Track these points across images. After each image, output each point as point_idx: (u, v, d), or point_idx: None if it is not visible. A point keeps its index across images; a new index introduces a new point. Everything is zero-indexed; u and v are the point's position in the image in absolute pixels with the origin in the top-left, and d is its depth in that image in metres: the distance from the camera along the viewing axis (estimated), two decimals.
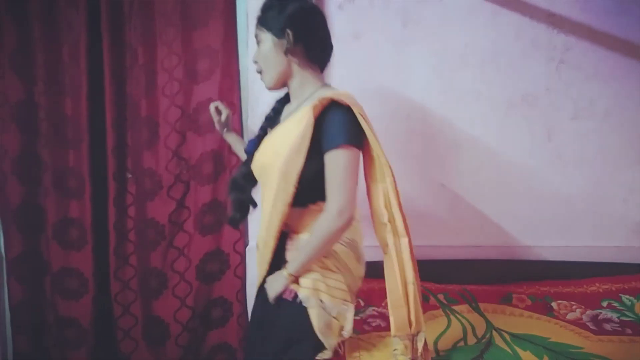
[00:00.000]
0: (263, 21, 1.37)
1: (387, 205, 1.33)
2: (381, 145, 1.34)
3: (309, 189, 1.30)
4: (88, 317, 2.02)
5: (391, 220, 1.32)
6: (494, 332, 1.58)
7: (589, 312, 1.73)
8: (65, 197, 1.99)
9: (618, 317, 1.69)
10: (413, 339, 1.30)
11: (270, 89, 1.42)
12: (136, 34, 1.91)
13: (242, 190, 1.45)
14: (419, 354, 1.30)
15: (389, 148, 2.00)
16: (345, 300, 1.34)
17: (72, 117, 1.94)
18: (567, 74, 1.99)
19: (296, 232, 1.36)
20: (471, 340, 1.54)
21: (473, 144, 2.04)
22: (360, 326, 1.62)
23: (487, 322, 1.65)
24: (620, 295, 1.81)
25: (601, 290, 1.85)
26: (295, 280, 1.32)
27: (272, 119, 1.47)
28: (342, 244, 1.35)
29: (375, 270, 1.97)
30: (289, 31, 1.34)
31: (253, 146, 1.43)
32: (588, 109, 2.01)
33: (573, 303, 1.78)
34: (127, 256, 2.03)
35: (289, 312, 1.31)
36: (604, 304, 1.78)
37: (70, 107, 1.94)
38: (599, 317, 1.69)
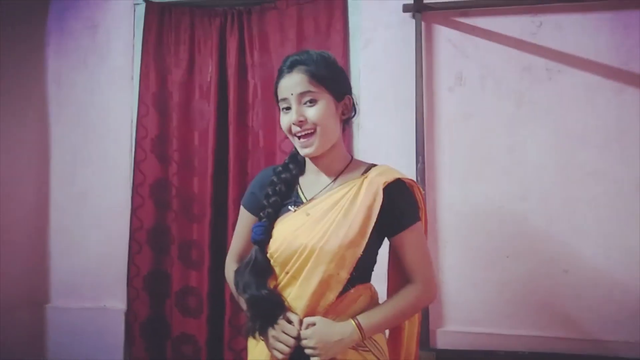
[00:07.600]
0: (321, 79, 1.18)
1: None
2: None
3: (356, 272, 1.17)
4: None
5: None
6: None
7: None
8: (188, 267, 2.16)
9: None
10: None
11: (312, 156, 1.22)
12: (258, 119, 2.13)
13: (260, 286, 1.19)
14: None
15: (504, 229, 1.94)
16: None
17: (198, 194, 2.16)
18: None
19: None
20: None
21: (597, 227, 1.89)
22: None
23: None
24: None
25: None
26: (362, 337, 1.15)
27: (284, 195, 1.25)
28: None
29: None
30: (350, 97, 1.24)
31: (264, 231, 1.21)
32: None
33: None
34: (240, 326, 2.10)
35: None
36: None
37: (197, 185, 2.16)
38: None
